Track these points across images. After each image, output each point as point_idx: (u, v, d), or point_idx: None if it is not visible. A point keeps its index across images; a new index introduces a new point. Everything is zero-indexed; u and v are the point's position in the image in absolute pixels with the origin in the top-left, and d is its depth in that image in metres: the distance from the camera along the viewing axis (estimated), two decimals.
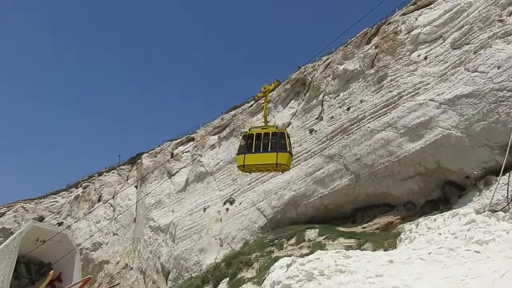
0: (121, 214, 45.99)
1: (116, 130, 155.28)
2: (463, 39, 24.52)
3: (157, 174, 44.70)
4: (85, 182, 54.06)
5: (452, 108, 23.21)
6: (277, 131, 17.80)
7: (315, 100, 33.07)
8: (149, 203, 43.07)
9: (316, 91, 33.17)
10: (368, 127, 27.17)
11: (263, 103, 21.47)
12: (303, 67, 35.67)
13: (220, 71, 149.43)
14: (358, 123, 28.11)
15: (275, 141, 17.35)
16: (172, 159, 43.76)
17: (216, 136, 41.48)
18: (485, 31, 23.50)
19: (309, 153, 30.92)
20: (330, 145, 29.53)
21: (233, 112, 41.25)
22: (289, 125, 34.39)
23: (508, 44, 22.09)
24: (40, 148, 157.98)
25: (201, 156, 40.78)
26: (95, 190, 51.53)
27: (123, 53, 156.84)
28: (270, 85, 18.87)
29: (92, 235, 45.76)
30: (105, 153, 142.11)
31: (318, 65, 34.52)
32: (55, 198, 56.10)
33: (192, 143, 43.64)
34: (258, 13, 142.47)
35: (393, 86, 26.96)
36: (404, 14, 29.28)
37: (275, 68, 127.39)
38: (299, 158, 31.51)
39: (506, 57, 21.54)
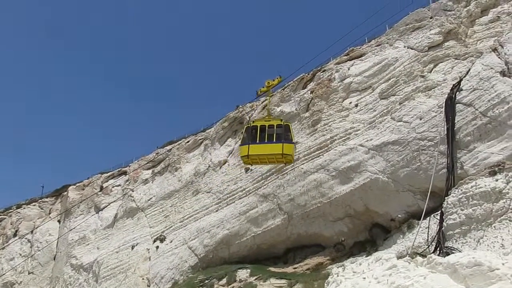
0: (39, 250, 42.51)
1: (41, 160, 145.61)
2: (390, 90, 26.42)
3: (83, 208, 42.24)
4: (0, 215, 49.63)
5: (379, 154, 24.57)
6: (282, 123, 18.49)
7: None
8: (72, 239, 40.32)
9: None
10: (302, 168, 27.89)
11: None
12: (241, 106, 36.29)
13: (156, 105, 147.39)
14: (292, 164, 28.75)
15: (280, 133, 18.03)
16: (101, 192, 41.70)
17: (149, 171, 40.37)
18: (409, 85, 25.56)
19: (244, 191, 30.97)
20: (264, 185, 29.83)
21: (169, 147, 40.59)
22: (225, 163, 34.44)
23: (429, 97, 24.11)
24: None
25: (132, 191, 39.29)
26: (11, 224, 47.39)
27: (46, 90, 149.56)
28: (274, 80, 19.62)
29: (3, 274, 41.58)
30: (27, 185, 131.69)
31: (256, 106, 35.31)
32: None
33: (124, 176, 42.06)
34: (198, 50, 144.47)
35: (326, 130, 28.14)
36: (338, 63, 31.11)
37: (215, 105, 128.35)
38: (234, 197, 31.45)
39: (427, 109, 23.43)
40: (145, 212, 37.25)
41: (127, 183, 40.64)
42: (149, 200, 37.56)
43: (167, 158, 39.63)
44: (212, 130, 37.90)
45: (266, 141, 18.03)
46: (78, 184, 45.86)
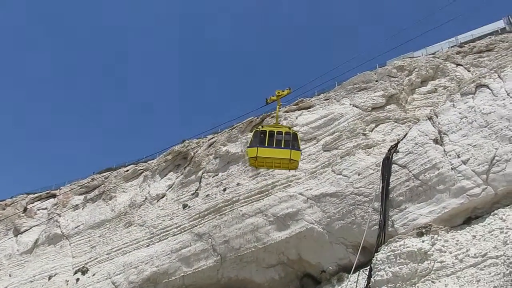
0: None
1: None
2: (333, 144, 27.41)
3: (0, 229, 38.82)
4: None
5: (317, 204, 25.02)
6: (290, 131, 19.66)
7: (194, 176, 33.09)
8: None
9: (197, 167, 33.37)
10: (241, 210, 27.70)
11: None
12: (188, 141, 35.96)
13: (94, 130, 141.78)
14: (231, 205, 28.54)
15: (288, 139, 19.21)
16: (24, 214, 38.69)
17: (81, 196, 38.26)
18: (351, 141, 26.70)
19: (179, 228, 30.06)
20: (201, 223, 29.18)
21: (106, 174, 38.93)
22: (163, 197, 33.51)
23: (368, 155, 25.23)
24: None
25: (59, 216, 36.83)
26: None
27: None
28: (283, 91, 20.70)
29: None
30: None
31: (203, 142, 35.15)
32: None
33: (52, 200, 39.44)
34: (151, 79, 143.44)
35: (268, 175, 28.39)
36: (287, 111, 32.00)
37: (160, 137, 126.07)
38: (168, 233, 30.40)
39: (366, 166, 24.44)
40: (70, 240, 34.90)
41: (55, 207, 38.13)
42: (76, 227, 35.34)
43: (102, 185, 37.89)
44: (154, 162, 36.99)
45: (274, 146, 19.12)
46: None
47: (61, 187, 40.58)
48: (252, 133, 20.31)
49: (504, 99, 20.65)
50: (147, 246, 30.76)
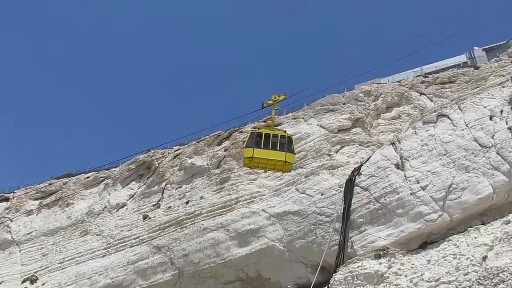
0: None
1: None
2: (298, 163, 27.65)
3: None
4: None
5: (279, 222, 25.05)
6: (286, 135, 20.63)
7: (156, 187, 32.51)
8: None
9: (160, 178, 32.82)
10: (202, 224, 27.34)
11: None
12: (152, 151, 35.37)
13: (59, 133, 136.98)
14: (193, 219, 28.13)
15: (283, 142, 20.13)
16: None
17: (37, 202, 36.71)
18: (316, 161, 27.06)
19: (138, 240, 29.29)
20: (161, 235, 28.55)
21: (65, 180, 37.63)
22: (123, 206, 32.70)
23: (332, 176, 25.62)
24: None
25: (11, 221, 35.11)
26: None
27: None
28: (280, 96, 21.43)
29: None
30: None
31: (168, 153, 34.67)
32: None
33: (4, 203, 37.59)
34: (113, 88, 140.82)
35: (233, 190, 28.26)
36: (255, 127, 32.10)
37: (124, 146, 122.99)
38: (125, 244, 29.56)
39: (329, 186, 24.77)
40: (20, 247, 33.26)
41: (7, 211, 36.35)
42: (28, 233, 33.76)
43: (60, 191, 36.56)
44: (117, 170, 36.11)
45: (270, 147, 19.93)
46: None
47: (15, 191, 38.78)
48: (248, 135, 21.28)
49: (463, 130, 21.59)
50: (103, 256, 29.76)
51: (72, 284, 28.97)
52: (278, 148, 20.09)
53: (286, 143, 20.34)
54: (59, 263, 30.95)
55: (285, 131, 21.38)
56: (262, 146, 20.02)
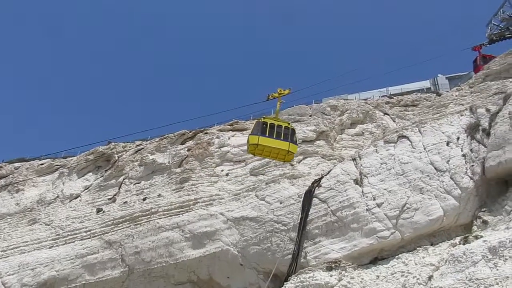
0: None
1: None
2: (260, 169, 27.79)
3: None
4: None
5: (236, 227, 25.00)
6: (289, 127, 21.70)
7: (114, 180, 31.72)
8: None
9: (119, 171, 32.05)
10: (158, 222, 26.84)
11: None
12: (114, 143, 34.51)
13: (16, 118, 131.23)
14: (149, 216, 27.58)
15: (287, 133, 21.28)
16: None
17: None
18: (279, 169, 27.24)
19: (89, 233, 28.38)
20: (113, 231, 27.79)
21: (17, 164, 36.05)
22: (77, 197, 31.69)
23: (293, 185, 25.86)
24: None
25: None
26: None
27: None
28: (285, 90, 22.61)
29: None
30: None
31: (130, 147, 33.95)
32: None
33: None
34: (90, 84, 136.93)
35: (192, 190, 27.98)
36: (220, 130, 32.04)
37: (83, 136, 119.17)
38: (75, 236, 28.59)
39: (288, 195, 24.97)
40: None
41: None
42: None
43: (10, 176, 35.00)
44: (74, 159, 34.98)
45: (275, 137, 20.99)
46: None
47: None
48: (254, 123, 22.35)
49: (420, 152, 22.37)
50: (50, 247, 28.64)
51: (13, 274, 27.68)
52: (282, 138, 21.16)
53: (290, 134, 21.44)
54: (1, 251, 29.51)
55: (289, 123, 22.31)
56: (267, 135, 21.04)
